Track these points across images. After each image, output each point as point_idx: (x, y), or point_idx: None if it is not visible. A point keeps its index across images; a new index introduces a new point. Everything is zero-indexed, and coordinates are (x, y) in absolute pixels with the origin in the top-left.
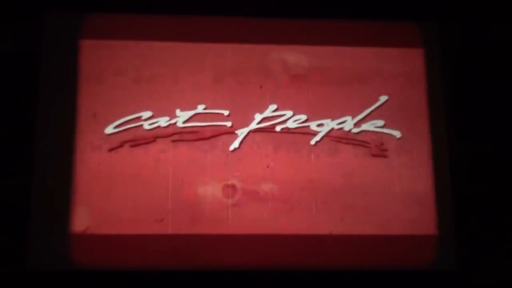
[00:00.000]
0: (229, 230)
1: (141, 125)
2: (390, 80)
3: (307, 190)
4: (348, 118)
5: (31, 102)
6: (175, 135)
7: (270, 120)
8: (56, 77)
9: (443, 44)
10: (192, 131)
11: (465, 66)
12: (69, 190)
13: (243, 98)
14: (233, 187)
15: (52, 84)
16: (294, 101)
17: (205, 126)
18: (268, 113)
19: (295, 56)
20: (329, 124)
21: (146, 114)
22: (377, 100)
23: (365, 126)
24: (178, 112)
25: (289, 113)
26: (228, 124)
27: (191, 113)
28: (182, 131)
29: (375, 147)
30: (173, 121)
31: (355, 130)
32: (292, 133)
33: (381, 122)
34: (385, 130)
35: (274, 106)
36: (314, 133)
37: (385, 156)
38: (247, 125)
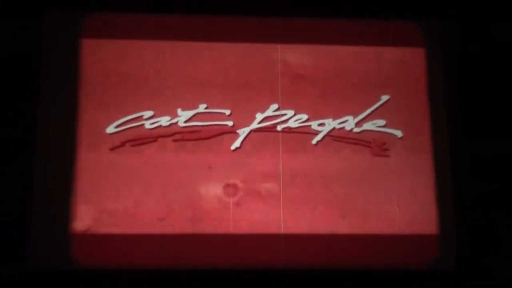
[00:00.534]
0: (230, 229)
1: (143, 125)
2: (391, 80)
3: (308, 190)
4: (349, 118)
5: (32, 101)
6: (176, 134)
7: (271, 120)
8: (57, 76)
9: (444, 44)
10: (194, 130)
11: (466, 66)
12: (70, 189)
13: (244, 97)
14: (234, 186)
15: (53, 83)
16: (295, 101)
17: (207, 125)
18: (269, 112)
19: (296, 55)
20: (331, 124)
21: (148, 113)
22: (378, 99)
23: (366, 126)
24: (179, 111)
25: (290, 112)
26: (230, 123)
27: (192, 112)
28: (183, 131)
29: (376, 146)
30: (174, 120)
31: (357, 130)
32: (294, 132)
33: (382, 122)
34: (386, 130)
35: (275, 106)
36: (316, 133)
37: (386, 156)
38: (248, 124)
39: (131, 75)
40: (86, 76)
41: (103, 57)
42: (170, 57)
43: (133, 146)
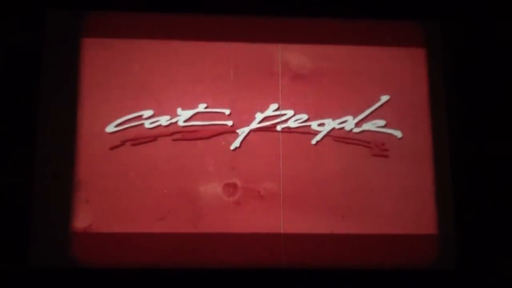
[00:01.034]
0: (230, 228)
1: (142, 124)
2: (391, 80)
3: (308, 189)
4: (349, 118)
5: (33, 101)
6: (176, 134)
7: (271, 120)
8: (58, 75)
9: (445, 44)
10: (193, 130)
11: (467, 66)
12: (70, 188)
13: (244, 97)
14: (234, 185)
15: (53, 82)
16: (295, 101)
17: (206, 125)
18: (269, 112)
19: (296, 55)
20: (330, 124)
21: (147, 113)
22: (378, 99)
23: (366, 126)
24: (179, 111)
25: (290, 112)
26: (229, 123)
27: (192, 112)
28: (183, 130)
29: (376, 147)
30: (174, 120)
31: (356, 130)
32: (293, 132)
33: (382, 122)
34: (386, 130)
35: (275, 106)
36: (315, 133)
37: (386, 156)
38: (248, 124)
39: (131, 74)
40: (86, 76)
41: (103, 56)
42: (170, 56)
43: (133, 145)
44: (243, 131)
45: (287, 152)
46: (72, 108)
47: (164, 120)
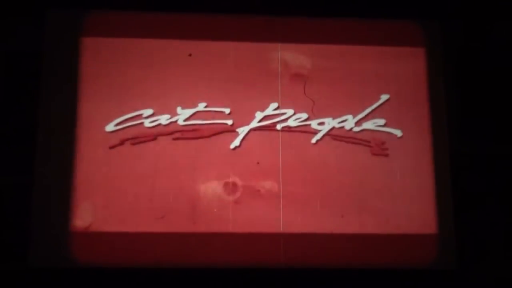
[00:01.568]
0: (230, 228)
1: (142, 123)
2: (391, 79)
3: (307, 189)
4: (349, 117)
5: (32, 100)
6: (176, 133)
7: (271, 119)
8: (58, 74)
9: (444, 44)
10: (193, 129)
11: (466, 65)
12: (69, 188)
13: (244, 96)
14: (234, 184)
15: (53, 82)
16: (295, 100)
17: (206, 124)
18: (269, 111)
19: (296, 55)
20: (330, 123)
21: (147, 112)
22: (378, 99)
23: (366, 125)
24: (179, 110)
25: (290, 111)
26: (229, 122)
27: (192, 111)
28: (183, 129)
29: (376, 146)
30: (174, 119)
31: (356, 129)
32: (293, 131)
33: (382, 121)
34: (386, 129)
35: (275, 105)
36: (315, 132)
37: (386, 155)
38: (248, 123)
39: (131, 73)
40: (86, 75)
41: (103, 56)
42: (170, 55)
43: (132, 144)
44: (243, 130)
45: (287, 151)
46: (72, 107)
47: (164, 119)
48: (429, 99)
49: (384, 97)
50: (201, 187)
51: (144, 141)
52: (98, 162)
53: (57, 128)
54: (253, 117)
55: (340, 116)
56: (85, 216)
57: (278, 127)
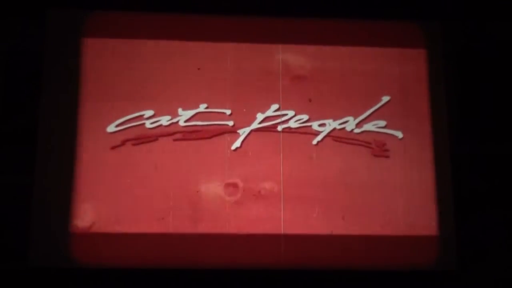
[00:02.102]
0: (230, 229)
1: (143, 124)
2: (392, 81)
3: (308, 190)
4: (350, 118)
5: (34, 100)
6: (177, 134)
7: (272, 120)
8: (58, 75)
9: (445, 45)
10: (194, 130)
11: (467, 67)
12: (70, 188)
13: (245, 97)
14: (234, 185)
15: (54, 82)
16: (296, 101)
17: (207, 125)
18: (270, 112)
19: (297, 56)
20: (331, 124)
21: (148, 112)
22: (379, 100)
23: (367, 127)
24: (180, 111)
25: (291, 112)
26: (230, 123)
27: (193, 112)
28: (184, 130)
29: (376, 147)
30: (175, 120)
31: (357, 131)
32: (294, 132)
33: (383, 123)
34: (387, 131)
35: (276, 106)
36: (316, 133)
37: (386, 157)
38: (249, 124)
39: (132, 74)
40: (87, 75)
41: (104, 56)
42: (171, 56)
43: (133, 145)
44: (244, 131)
45: (287, 153)
46: (73, 107)
47: (165, 120)
48: (429, 101)
49: (385, 99)
50: (202, 188)
51: (145, 142)
52: (99, 162)
53: (58, 128)
54: (254, 119)
55: (341, 117)
56: (86, 216)
57: (279, 128)
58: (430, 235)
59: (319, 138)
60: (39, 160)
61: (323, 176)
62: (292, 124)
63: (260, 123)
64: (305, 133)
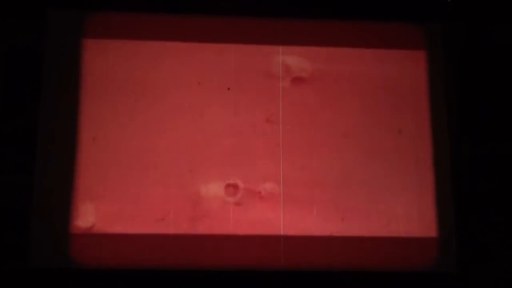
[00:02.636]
0: (231, 230)
1: (144, 125)
2: (392, 82)
3: (308, 191)
4: (350, 118)
5: (34, 101)
6: (177, 135)
7: (272, 121)
8: (59, 76)
9: (445, 46)
10: (194, 131)
11: (467, 68)
12: (70, 188)
13: (245, 99)
14: (235, 186)
15: (55, 82)
16: (296, 102)
17: (207, 126)
18: (270, 113)
19: (297, 58)
20: (331, 125)
21: (148, 113)
22: (379, 101)
23: (366, 128)
24: (180, 112)
25: (291, 114)
26: (230, 124)
27: (193, 113)
28: (184, 131)
29: (377, 148)
30: (175, 121)
31: (357, 131)
32: (294, 133)
33: (383, 123)
34: (387, 132)
35: (276, 107)
36: (316, 134)
37: (386, 158)
38: (249, 125)
39: (132, 75)
40: (87, 76)
41: (104, 57)
42: (172, 58)
43: (134, 146)
44: (244, 133)
45: (288, 153)
46: (73, 108)
47: (165, 121)
48: (429, 102)
49: (385, 100)
50: (202, 189)
51: (146, 143)
52: (100, 163)
53: (59, 129)
54: (254, 120)
55: (341, 119)
56: (86, 217)
57: (280, 129)
58: (429, 236)
59: (319, 139)
60: (39, 161)
61: (323, 177)
62: (292, 125)
63: (260, 124)
64: (305, 133)
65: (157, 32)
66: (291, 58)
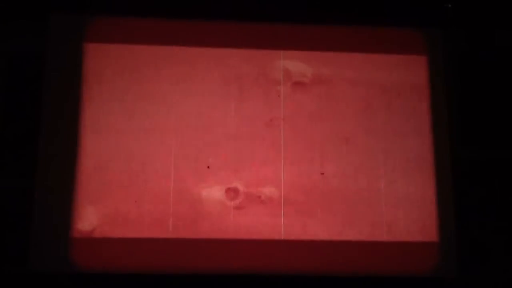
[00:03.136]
0: (231, 234)
1: (144, 127)
2: (393, 86)
3: (309, 196)
4: (350, 123)
5: (35, 104)
6: (178, 138)
7: (273, 124)
8: (60, 78)
9: (446, 51)
10: (195, 135)
11: (468, 73)
12: (71, 193)
13: (246, 103)
14: (235, 190)
15: (56, 86)
16: (296, 107)
17: (208, 130)
18: (270, 117)
19: (299, 62)
20: (332, 130)
21: (149, 116)
22: (379, 106)
23: (367, 132)
24: (181, 115)
25: (292, 117)
26: (231, 128)
27: (194, 117)
28: (185, 135)
29: (377, 153)
30: (176, 124)
31: (358, 136)
32: (295, 138)
33: (383, 128)
34: (387, 136)
35: (277, 111)
36: (317, 138)
37: (387, 162)
38: (250, 129)
39: (133, 79)
40: (88, 80)
41: (106, 61)
42: (173, 62)
43: (135, 149)
44: (245, 137)
45: (289, 157)
46: (74, 111)
47: (166, 125)
48: (430, 106)
49: (386, 104)
50: (203, 193)
51: (146, 146)
52: (101, 167)
53: (59, 132)
54: (255, 124)
55: (341, 122)
56: (86, 221)
57: (280, 133)
58: (430, 241)
59: (319, 143)
60: (40, 164)
61: (323, 182)
62: (293, 129)
63: (261, 128)
64: (306, 138)
65: (157, 36)
66: (292, 63)
